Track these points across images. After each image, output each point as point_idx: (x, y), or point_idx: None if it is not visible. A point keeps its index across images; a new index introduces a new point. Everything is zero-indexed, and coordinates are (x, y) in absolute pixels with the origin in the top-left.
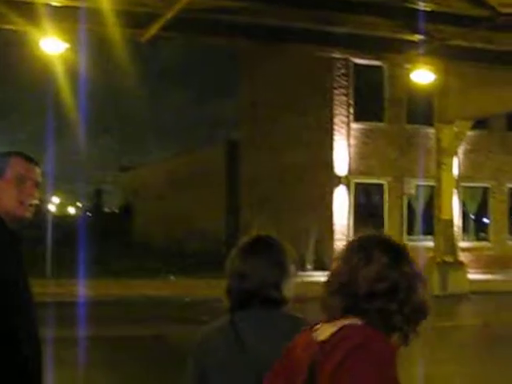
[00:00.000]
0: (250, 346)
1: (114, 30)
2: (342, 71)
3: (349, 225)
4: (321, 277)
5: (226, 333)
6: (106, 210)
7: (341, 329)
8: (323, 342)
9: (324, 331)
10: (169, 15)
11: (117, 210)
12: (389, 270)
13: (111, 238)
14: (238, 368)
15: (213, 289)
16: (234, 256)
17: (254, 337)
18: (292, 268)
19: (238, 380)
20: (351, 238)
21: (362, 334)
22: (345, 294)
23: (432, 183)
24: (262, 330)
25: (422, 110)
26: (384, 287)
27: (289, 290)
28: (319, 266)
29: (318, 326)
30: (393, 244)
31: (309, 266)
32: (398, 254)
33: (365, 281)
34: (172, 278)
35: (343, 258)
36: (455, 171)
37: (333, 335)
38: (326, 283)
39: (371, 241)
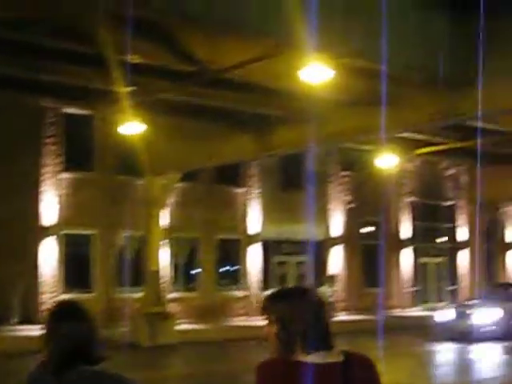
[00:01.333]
0: None
1: None
2: (52, 120)
3: (57, 277)
4: (28, 331)
5: None
6: None
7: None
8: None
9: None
10: None
11: None
12: None
13: None
14: None
15: None
16: (50, 322)
17: None
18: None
19: None
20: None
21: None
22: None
23: (141, 234)
24: None
25: (131, 160)
26: None
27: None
28: (26, 320)
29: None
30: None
31: (15, 320)
32: None
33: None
34: None
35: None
36: (164, 222)
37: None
38: (286, 327)
39: (298, 289)
